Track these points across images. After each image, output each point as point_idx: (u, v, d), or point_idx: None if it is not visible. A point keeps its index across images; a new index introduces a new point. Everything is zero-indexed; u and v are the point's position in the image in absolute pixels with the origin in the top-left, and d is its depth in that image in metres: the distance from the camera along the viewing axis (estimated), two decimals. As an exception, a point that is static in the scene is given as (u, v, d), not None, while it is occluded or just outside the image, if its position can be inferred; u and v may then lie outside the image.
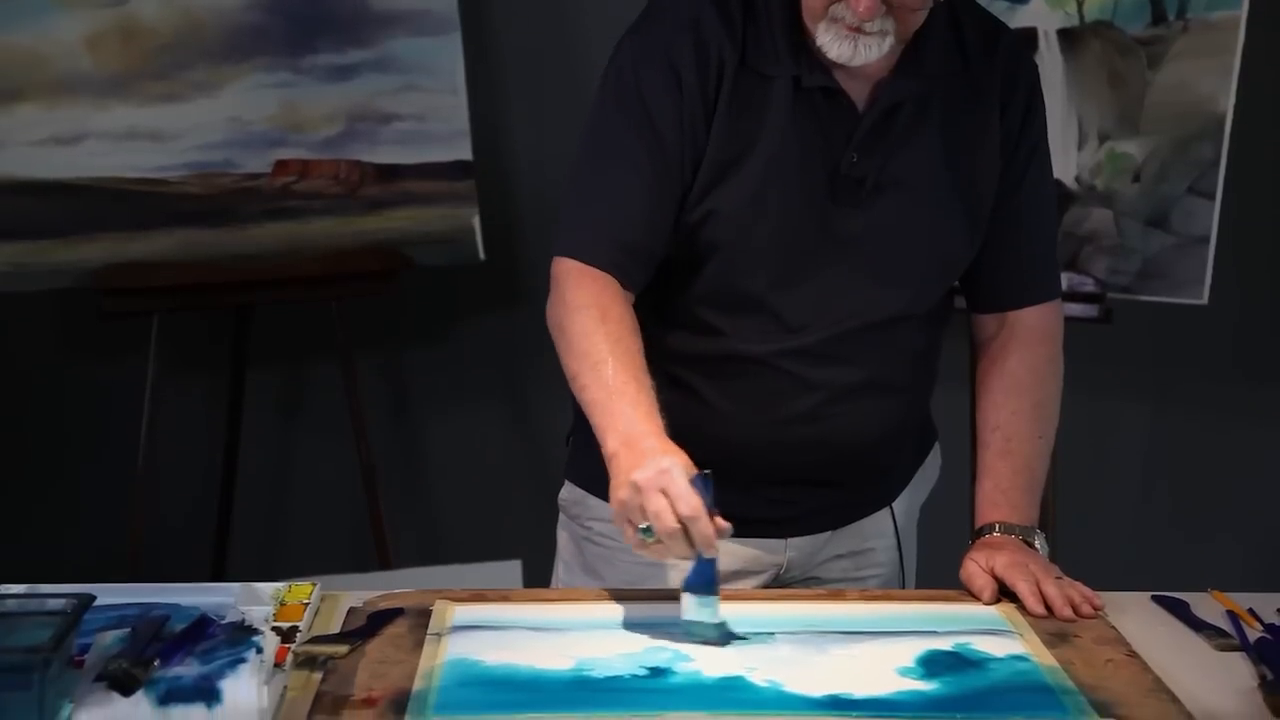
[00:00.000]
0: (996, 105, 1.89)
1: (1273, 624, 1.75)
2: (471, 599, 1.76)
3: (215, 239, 3.12)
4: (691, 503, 1.56)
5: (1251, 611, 1.79)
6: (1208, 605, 1.83)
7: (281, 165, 3.16)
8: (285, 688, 1.52)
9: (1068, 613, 1.74)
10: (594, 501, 2.02)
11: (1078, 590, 1.77)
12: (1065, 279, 3.01)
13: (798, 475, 1.95)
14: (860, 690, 1.50)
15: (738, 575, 1.96)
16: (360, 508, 3.33)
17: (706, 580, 1.61)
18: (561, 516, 2.12)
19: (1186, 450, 3.65)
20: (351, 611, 1.71)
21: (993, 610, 1.76)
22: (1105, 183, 3.07)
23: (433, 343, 3.63)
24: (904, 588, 2.08)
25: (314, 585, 1.76)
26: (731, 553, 1.96)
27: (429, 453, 3.72)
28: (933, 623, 1.71)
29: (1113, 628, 1.71)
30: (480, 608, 1.73)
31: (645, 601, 1.76)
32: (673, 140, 1.80)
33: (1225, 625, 1.76)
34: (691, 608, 1.62)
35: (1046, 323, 2.00)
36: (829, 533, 2.01)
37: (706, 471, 1.59)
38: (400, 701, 1.45)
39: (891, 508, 2.05)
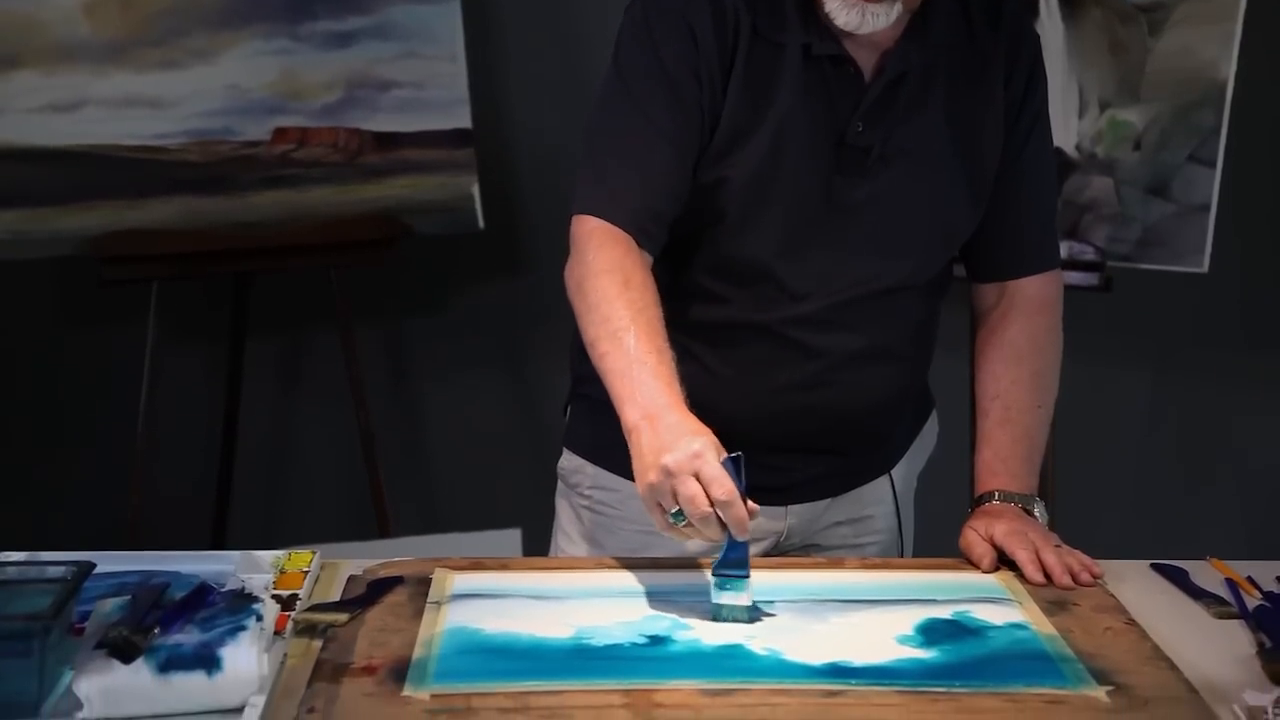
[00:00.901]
0: (1001, 75, 1.89)
1: (1271, 592, 1.76)
2: (471, 567, 1.76)
3: (214, 207, 3.11)
4: (726, 487, 1.54)
5: (1250, 579, 1.79)
6: (1206, 573, 1.83)
7: (280, 133, 3.15)
8: (285, 655, 1.52)
9: (1066, 581, 1.74)
10: (593, 470, 2.02)
11: (1077, 559, 1.78)
12: (1065, 247, 3.01)
13: (798, 443, 1.95)
14: (860, 658, 1.51)
15: None
16: (360, 476, 3.33)
17: (739, 562, 1.60)
18: (560, 485, 2.12)
19: (1186, 419, 3.66)
20: (351, 579, 1.72)
21: (992, 579, 1.76)
22: (1106, 151, 3.07)
23: (432, 311, 3.63)
24: (902, 555, 2.08)
25: (314, 553, 1.76)
26: None
27: (428, 421, 3.73)
28: (932, 591, 1.71)
29: (1111, 596, 1.72)
30: (479, 576, 1.73)
31: (645, 570, 1.76)
32: (692, 101, 1.79)
33: (1224, 593, 1.76)
34: (722, 591, 1.61)
35: (1046, 292, 2.00)
36: (829, 500, 2.01)
37: (737, 454, 1.57)
38: (400, 669, 1.45)
39: (890, 475, 2.06)
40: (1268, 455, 3.61)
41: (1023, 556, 1.77)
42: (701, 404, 1.83)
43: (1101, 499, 3.57)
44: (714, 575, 1.60)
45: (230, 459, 3.46)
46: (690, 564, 1.83)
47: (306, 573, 1.71)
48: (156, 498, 3.18)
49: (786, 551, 2.01)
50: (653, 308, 1.75)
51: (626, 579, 1.73)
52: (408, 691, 1.41)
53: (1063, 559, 1.76)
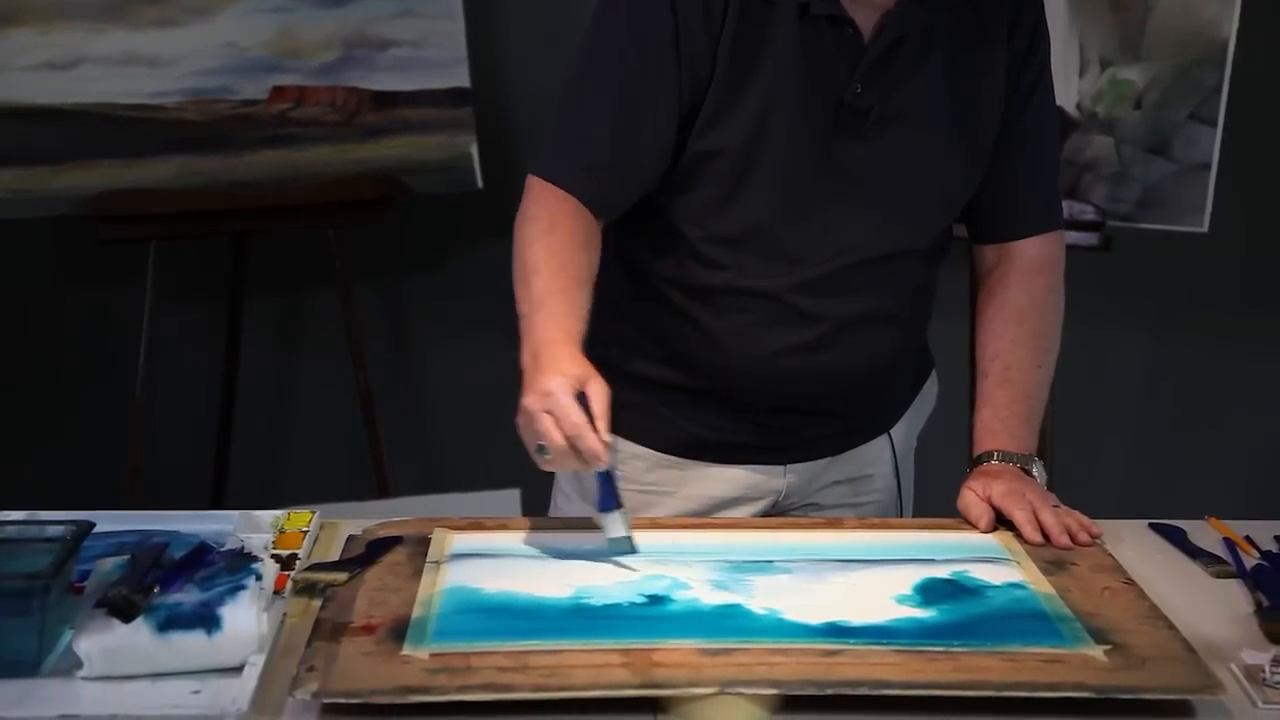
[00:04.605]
0: (1003, 37, 1.87)
1: (1269, 551, 1.76)
2: (470, 527, 1.76)
3: (212, 166, 3.10)
4: (571, 420, 1.56)
5: (1248, 539, 1.80)
6: (1205, 533, 1.84)
7: (278, 92, 3.14)
8: (285, 615, 1.52)
9: (1065, 541, 1.74)
10: None
11: (1074, 519, 1.78)
12: (1065, 206, 2.99)
13: (797, 404, 1.95)
14: (858, 618, 1.51)
15: (737, 502, 1.98)
16: (359, 436, 3.33)
17: (608, 495, 1.64)
18: None
19: (1185, 378, 3.66)
20: (350, 539, 1.72)
21: (990, 538, 1.76)
22: (1106, 110, 3.05)
23: (431, 271, 3.62)
24: (901, 515, 2.08)
25: (313, 513, 1.77)
26: (730, 479, 1.97)
27: (427, 381, 3.72)
28: (930, 551, 1.71)
29: (1110, 555, 1.72)
30: (478, 536, 1.73)
31: (644, 530, 1.77)
32: (664, 62, 1.77)
33: (1222, 552, 1.77)
34: (607, 525, 1.65)
35: (1047, 252, 1.99)
36: (828, 460, 2.01)
37: (592, 386, 1.60)
38: (399, 629, 1.46)
39: (890, 434, 2.06)
40: (1266, 414, 3.62)
41: (1020, 517, 1.77)
42: (700, 364, 1.83)
43: (1100, 459, 3.58)
44: (598, 513, 1.66)
45: (229, 418, 3.46)
46: (691, 525, 1.84)
47: (306, 532, 1.71)
48: (155, 457, 3.19)
49: (786, 511, 2.01)
50: (571, 250, 1.75)
51: (625, 539, 1.73)
52: (407, 651, 1.41)
53: (1060, 519, 1.76)
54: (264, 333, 3.55)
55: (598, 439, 1.57)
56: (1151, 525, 1.86)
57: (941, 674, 1.39)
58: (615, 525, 1.65)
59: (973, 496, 1.82)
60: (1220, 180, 3.00)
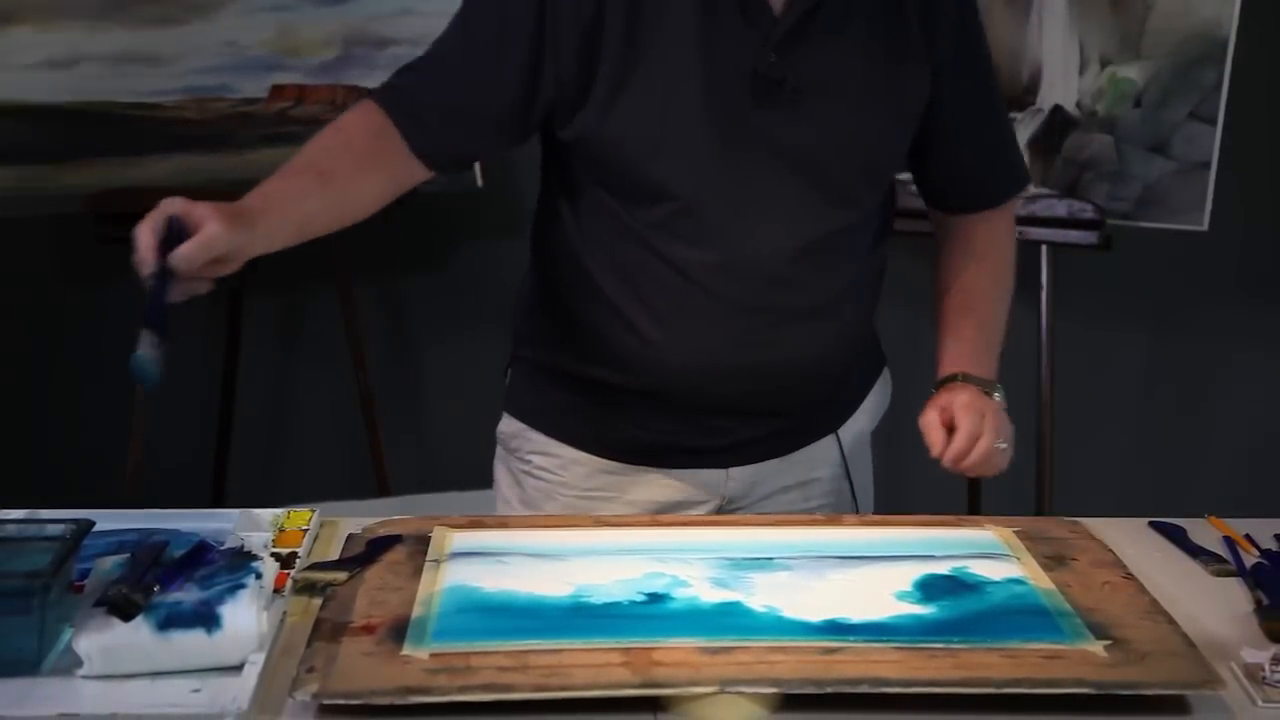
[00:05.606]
0: (917, 7, 1.83)
1: (1269, 550, 1.76)
2: (470, 525, 1.76)
3: (212, 164, 3.11)
4: (140, 229, 1.55)
5: (1248, 537, 1.80)
6: (1205, 531, 1.84)
7: (278, 90, 3.14)
8: (285, 613, 1.52)
9: (950, 464, 1.81)
10: (534, 435, 2.01)
11: (990, 465, 1.83)
12: (1065, 205, 3.01)
13: (738, 404, 1.92)
14: (858, 614, 1.51)
15: (680, 507, 1.96)
16: (359, 434, 3.33)
17: (151, 308, 1.54)
18: (499, 450, 2.10)
19: (1185, 377, 3.65)
20: (350, 538, 1.72)
21: (990, 534, 1.76)
22: (1106, 108, 3.05)
23: (431, 270, 3.62)
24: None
25: (313, 512, 1.77)
26: (672, 484, 1.96)
27: (427, 380, 3.72)
28: (930, 547, 1.71)
29: (1109, 550, 1.72)
30: (478, 534, 1.73)
31: (643, 528, 1.77)
32: (516, 41, 1.76)
33: (1222, 551, 1.77)
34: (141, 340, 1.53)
35: (1006, 206, 2.05)
36: (773, 463, 1.99)
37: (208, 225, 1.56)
38: (399, 628, 1.46)
39: (837, 435, 2.03)
40: (1265, 414, 3.61)
41: (962, 432, 1.80)
42: (637, 367, 1.83)
43: (1100, 458, 3.57)
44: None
45: (229, 417, 3.46)
46: (691, 521, 1.84)
47: (306, 531, 1.71)
48: (155, 456, 3.19)
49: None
50: (337, 149, 1.77)
51: (625, 537, 1.73)
52: (407, 650, 1.41)
53: (977, 452, 1.81)
54: (264, 331, 3.55)
55: (147, 244, 1.54)
56: (1151, 524, 1.86)
57: (941, 671, 1.39)
58: (144, 342, 1.52)
59: (934, 418, 1.84)
60: (1220, 179, 2.99)
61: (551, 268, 1.95)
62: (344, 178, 1.77)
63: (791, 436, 1.99)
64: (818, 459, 2.02)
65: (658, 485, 1.96)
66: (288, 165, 1.75)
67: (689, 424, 1.92)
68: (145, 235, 1.54)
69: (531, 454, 2.02)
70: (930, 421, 1.83)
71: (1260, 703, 1.40)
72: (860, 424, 2.07)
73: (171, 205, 1.57)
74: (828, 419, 2.03)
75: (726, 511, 1.98)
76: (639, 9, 1.75)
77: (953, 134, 1.93)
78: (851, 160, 1.85)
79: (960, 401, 1.84)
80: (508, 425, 2.07)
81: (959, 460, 1.81)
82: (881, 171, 1.92)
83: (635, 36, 1.75)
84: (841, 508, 2.05)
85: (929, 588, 1.59)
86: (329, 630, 1.45)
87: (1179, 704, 1.39)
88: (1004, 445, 1.84)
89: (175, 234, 1.56)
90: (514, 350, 2.07)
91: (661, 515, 1.91)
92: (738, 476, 1.97)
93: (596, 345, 1.91)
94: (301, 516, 1.75)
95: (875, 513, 2.09)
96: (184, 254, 1.55)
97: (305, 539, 1.69)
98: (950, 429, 1.83)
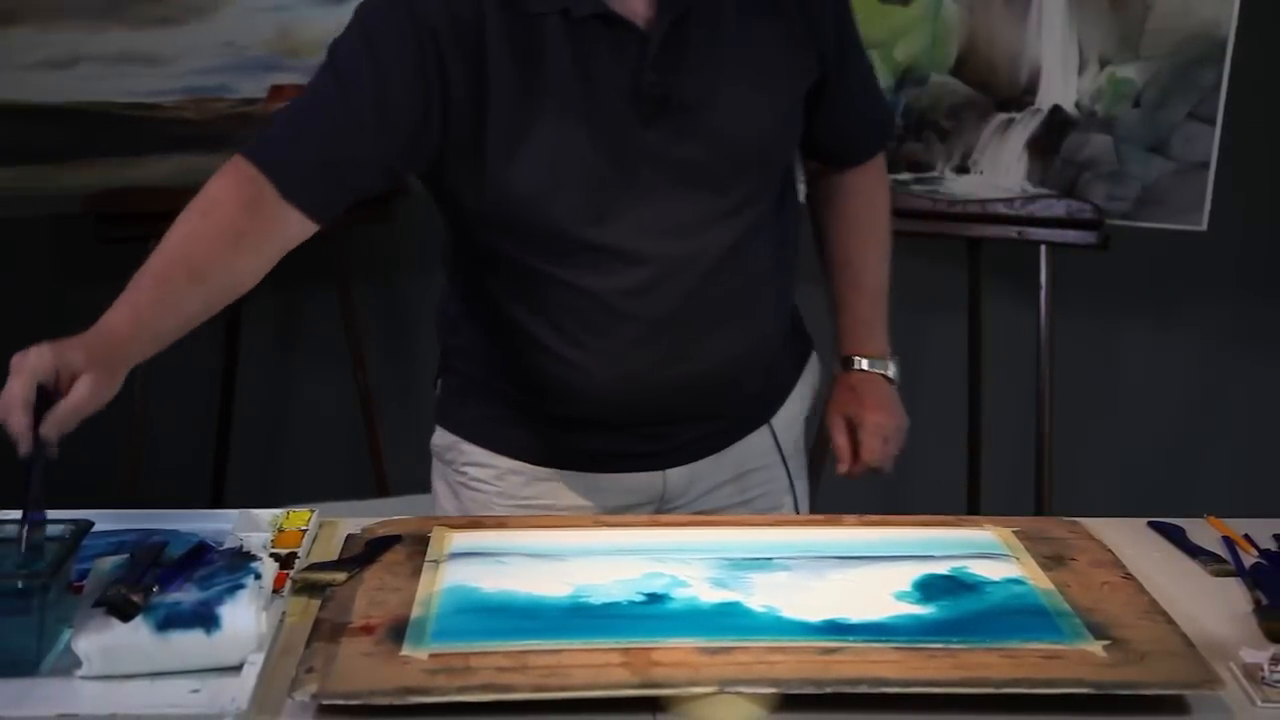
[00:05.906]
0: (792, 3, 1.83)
1: (1268, 550, 1.76)
2: (469, 526, 1.76)
3: (211, 165, 3.05)
4: (3, 401, 1.48)
5: (1247, 537, 1.80)
6: (1204, 531, 1.84)
7: (277, 90, 3.14)
8: (284, 614, 1.52)
9: (844, 468, 2.00)
10: (468, 446, 1.99)
11: (882, 462, 2.00)
12: (1064, 205, 3.01)
13: (668, 415, 1.92)
14: (857, 615, 1.51)
15: (618, 509, 1.95)
16: (358, 435, 3.33)
17: (33, 502, 1.50)
18: (435, 463, 2.08)
19: (1184, 378, 3.65)
20: (350, 538, 1.72)
21: (989, 534, 1.76)
22: (1105, 108, 3.05)
23: (429, 270, 3.60)
24: (796, 506, 2.07)
25: (312, 512, 1.77)
26: (609, 487, 1.95)
27: (427, 380, 3.71)
28: (929, 547, 1.71)
29: (1108, 550, 1.72)
30: (477, 535, 1.73)
31: (642, 528, 1.77)
32: (399, 112, 1.74)
33: (1221, 551, 1.77)
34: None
35: (875, 161, 2.11)
36: (708, 460, 1.98)
37: (80, 382, 1.52)
38: (399, 628, 1.46)
39: (770, 425, 2.03)
40: (1265, 414, 3.61)
41: (868, 447, 1.99)
42: (565, 393, 1.84)
43: (1099, 458, 3.57)
44: None
45: (228, 417, 3.46)
46: (691, 522, 1.84)
47: (305, 531, 1.71)
48: (154, 456, 3.18)
49: (671, 514, 1.98)
50: (210, 241, 1.73)
51: (624, 537, 1.73)
52: (406, 651, 1.41)
53: (880, 453, 2.00)
54: (263, 331, 3.55)
55: (21, 424, 1.48)
56: (1151, 523, 1.86)
57: (941, 671, 1.39)
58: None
59: (840, 425, 2.01)
60: (1219, 179, 2.99)
61: (466, 292, 1.95)
62: (219, 267, 1.72)
63: (725, 434, 2.00)
64: (753, 450, 2.02)
65: (595, 490, 1.95)
66: (155, 263, 1.68)
67: (623, 433, 1.91)
68: (18, 414, 1.48)
69: (466, 465, 2.00)
70: (836, 431, 2.02)
71: (1259, 703, 1.40)
72: (792, 410, 2.07)
73: (40, 365, 1.50)
74: (759, 410, 2.03)
75: (664, 511, 1.98)
76: (521, 43, 1.72)
77: (837, 104, 1.95)
78: (746, 163, 1.84)
79: (871, 422, 2.00)
80: (441, 438, 2.05)
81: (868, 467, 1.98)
82: (776, 164, 1.91)
83: (521, 73, 1.72)
84: (778, 495, 2.06)
85: (928, 588, 1.59)
86: (328, 630, 1.45)
87: (1178, 704, 1.39)
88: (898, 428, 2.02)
89: (44, 397, 1.51)
90: (442, 361, 2.07)
91: (604, 516, 1.90)
92: (674, 476, 1.96)
93: (522, 368, 1.90)
94: (301, 517, 1.75)
95: (870, 512, 2.09)
96: (56, 423, 1.51)
97: (304, 539, 1.69)
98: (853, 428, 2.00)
